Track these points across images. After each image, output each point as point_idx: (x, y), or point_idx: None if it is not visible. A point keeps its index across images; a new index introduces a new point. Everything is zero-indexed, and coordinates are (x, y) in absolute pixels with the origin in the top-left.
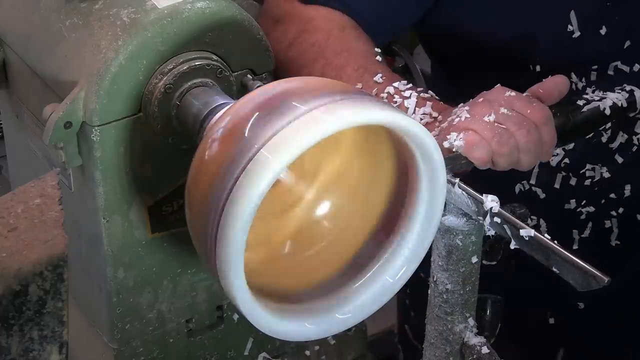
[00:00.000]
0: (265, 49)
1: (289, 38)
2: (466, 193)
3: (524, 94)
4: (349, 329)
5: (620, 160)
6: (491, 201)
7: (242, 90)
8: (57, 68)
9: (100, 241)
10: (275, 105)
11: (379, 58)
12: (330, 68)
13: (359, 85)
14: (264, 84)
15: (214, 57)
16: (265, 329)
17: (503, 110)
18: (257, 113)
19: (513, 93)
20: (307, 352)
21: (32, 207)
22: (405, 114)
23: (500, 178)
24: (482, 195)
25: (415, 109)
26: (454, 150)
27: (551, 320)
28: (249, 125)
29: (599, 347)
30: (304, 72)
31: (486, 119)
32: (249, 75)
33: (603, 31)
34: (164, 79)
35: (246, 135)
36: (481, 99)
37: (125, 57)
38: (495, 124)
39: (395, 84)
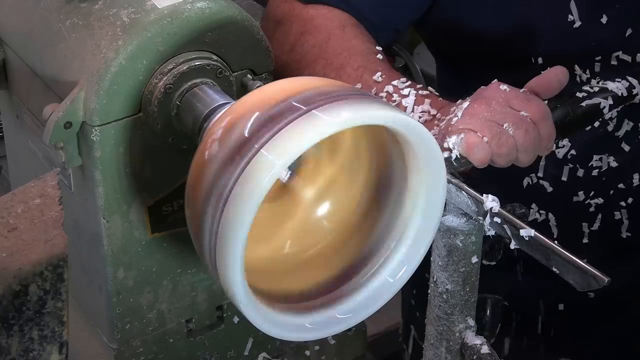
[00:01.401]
0: (265, 49)
1: (290, 40)
2: (466, 193)
3: (521, 90)
4: (349, 329)
5: (627, 148)
6: (491, 201)
7: (242, 90)
8: (57, 68)
9: (100, 241)
10: (275, 105)
11: (380, 56)
12: (331, 69)
13: (359, 85)
14: (264, 84)
15: (214, 57)
16: (265, 329)
17: (500, 108)
18: (257, 113)
19: (509, 89)
20: (307, 352)
21: (32, 207)
22: (405, 114)
23: (507, 173)
24: (482, 195)
25: (413, 107)
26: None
27: (561, 307)
28: (248, 125)
29: (608, 338)
30: (306, 73)
31: (484, 118)
32: (249, 75)
33: (604, 20)
34: (164, 79)
35: (246, 135)
36: (478, 96)
37: (125, 57)
38: (494, 123)
39: (395, 82)
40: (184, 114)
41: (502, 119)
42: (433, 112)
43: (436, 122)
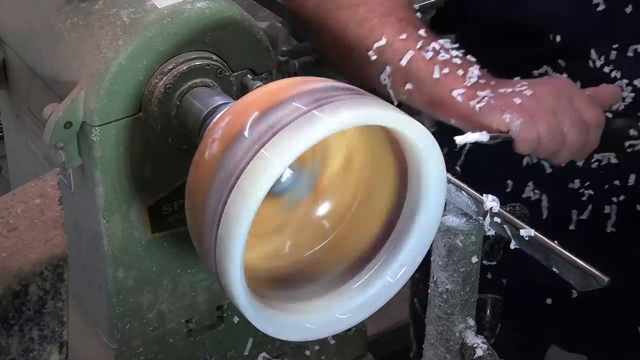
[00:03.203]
0: (265, 49)
1: None
2: (466, 193)
3: (586, 93)
4: (349, 329)
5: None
6: (491, 201)
7: (242, 90)
8: (57, 68)
9: (100, 241)
10: (275, 105)
11: (419, 14)
12: (373, 15)
13: (404, 36)
14: (264, 83)
15: (214, 57)
16: (265, 329)
17: (565, 102)
18: (256, 113)
19: (577, 87)
20: (307, 352)
21: (32, 207)
22: (405, 114)
23: (508, 151)
24: (482, 195)
25: (467, 69)
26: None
27: (548, 301)
28: (248, 125)
29: (595, 332)
30: (345, 14)
31: (548, 108)
32: (249, 75)
33: (629, 9)
34: (164, 79)
35: (246, 135)
36: (547, 84)
37: (125, 57)
38: (554, 118)
39: (441, 41)
40: (184, 114)
41: (562, 114)
42: (482, 81)
43: (490, 86)
